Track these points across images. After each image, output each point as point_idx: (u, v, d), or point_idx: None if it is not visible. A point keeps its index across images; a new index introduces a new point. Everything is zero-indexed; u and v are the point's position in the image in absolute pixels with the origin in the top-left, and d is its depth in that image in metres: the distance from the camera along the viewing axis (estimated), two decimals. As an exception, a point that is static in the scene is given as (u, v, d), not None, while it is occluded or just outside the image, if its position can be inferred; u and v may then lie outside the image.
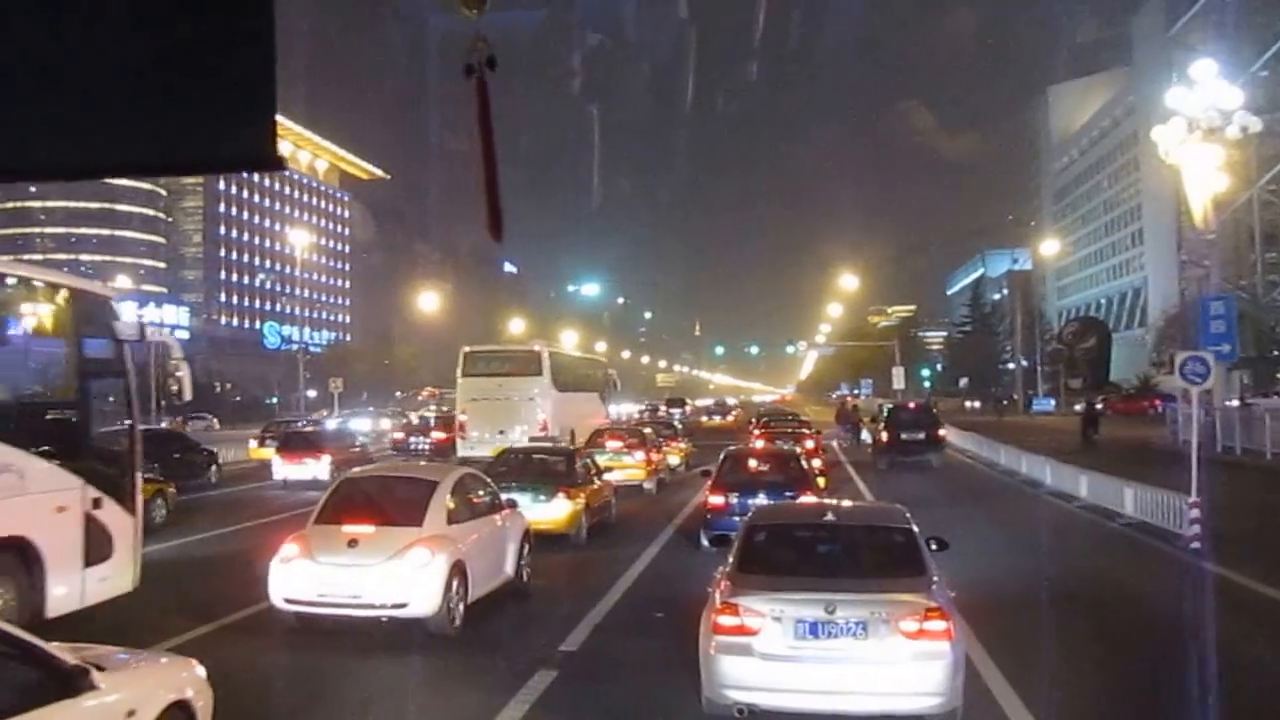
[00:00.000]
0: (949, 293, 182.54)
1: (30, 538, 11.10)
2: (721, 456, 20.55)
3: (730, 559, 9.64)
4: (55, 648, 6.36)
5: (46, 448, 11.73)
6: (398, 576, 11.78)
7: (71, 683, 6.07)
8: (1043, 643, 11.34)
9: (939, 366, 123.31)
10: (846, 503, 13.67)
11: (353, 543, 12.12)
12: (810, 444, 31.70)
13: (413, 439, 45.30)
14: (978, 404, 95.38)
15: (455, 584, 12.29)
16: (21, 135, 1.82)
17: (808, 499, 17.00)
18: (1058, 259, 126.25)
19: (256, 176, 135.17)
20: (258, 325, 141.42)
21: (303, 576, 12.00)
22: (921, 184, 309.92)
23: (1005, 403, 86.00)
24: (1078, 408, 49.72)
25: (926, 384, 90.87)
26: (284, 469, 31.36)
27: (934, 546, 10.01)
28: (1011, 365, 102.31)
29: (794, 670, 8.42)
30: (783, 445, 25.24)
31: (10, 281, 12.39)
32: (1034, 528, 21.07)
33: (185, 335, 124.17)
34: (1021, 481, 30.77)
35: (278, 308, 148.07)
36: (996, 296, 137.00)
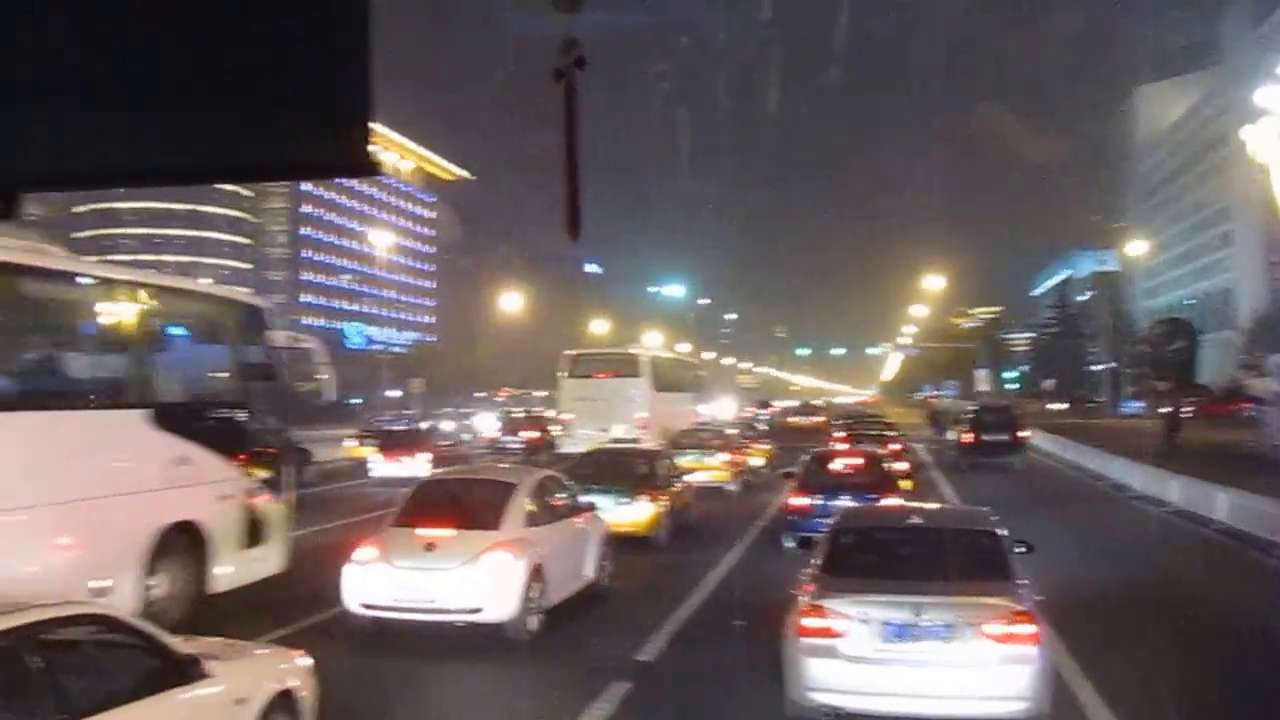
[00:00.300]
0: (1034, 294, 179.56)
1: (200, 522, 12.68)
2: (805, 458, 20.57)
3: (816, 561, 9.68)
4: (172, 638, 6.84)
5: (213, 442, 13.20)
6: (474, 581, 11.67)
7: (186, 671, 6.57)
8: (1131, 650, 11.18)
9: (1023, 368, 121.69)
10: (932, 505, 14.37)
11: (429, 546, 12.05)
12: (896, 447, 31.43)
13: (505, 437, 46.04)
14: (1063, 406, 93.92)
15: (533, 589, 12.09)
16: (122, 141, 1.85)
17: (892, 501, 16.92)
18: (1145, 260, 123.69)
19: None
20: (341, 326, 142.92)
21: (378, 581, 11.95)
22: (1006, 186, 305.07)
23: (1090, 404, 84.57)
24: (1163, 410, 48.77)
25: (1011, 386, 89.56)
26: (383, 467, 32.08)
27: (1020, 550, 9.93)
28: (1097, 367, 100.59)
29: (880, 673, 8.41)
30: (867, 448, 24.70)
31: (183, 293, 14.73)
32: (1121, 532, 20.69)
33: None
34: (1109, 485, 30.22)
35: (361, 308, 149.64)
36: (1082, 298, 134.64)
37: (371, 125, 1.83)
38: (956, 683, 8.36)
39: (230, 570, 13.22)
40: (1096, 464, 34.18)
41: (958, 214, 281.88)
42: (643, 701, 9.92)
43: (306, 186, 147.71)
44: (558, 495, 14.49)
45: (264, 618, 12.55)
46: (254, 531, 13.79)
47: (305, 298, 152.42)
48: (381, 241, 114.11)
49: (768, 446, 37.89)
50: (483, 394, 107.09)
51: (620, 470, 20.53)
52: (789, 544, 17.57)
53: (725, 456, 29.54)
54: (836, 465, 20.38)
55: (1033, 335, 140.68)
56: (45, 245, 12.03)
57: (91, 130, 1.84)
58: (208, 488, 12.96)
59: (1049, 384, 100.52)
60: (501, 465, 19.07)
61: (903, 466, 25.39)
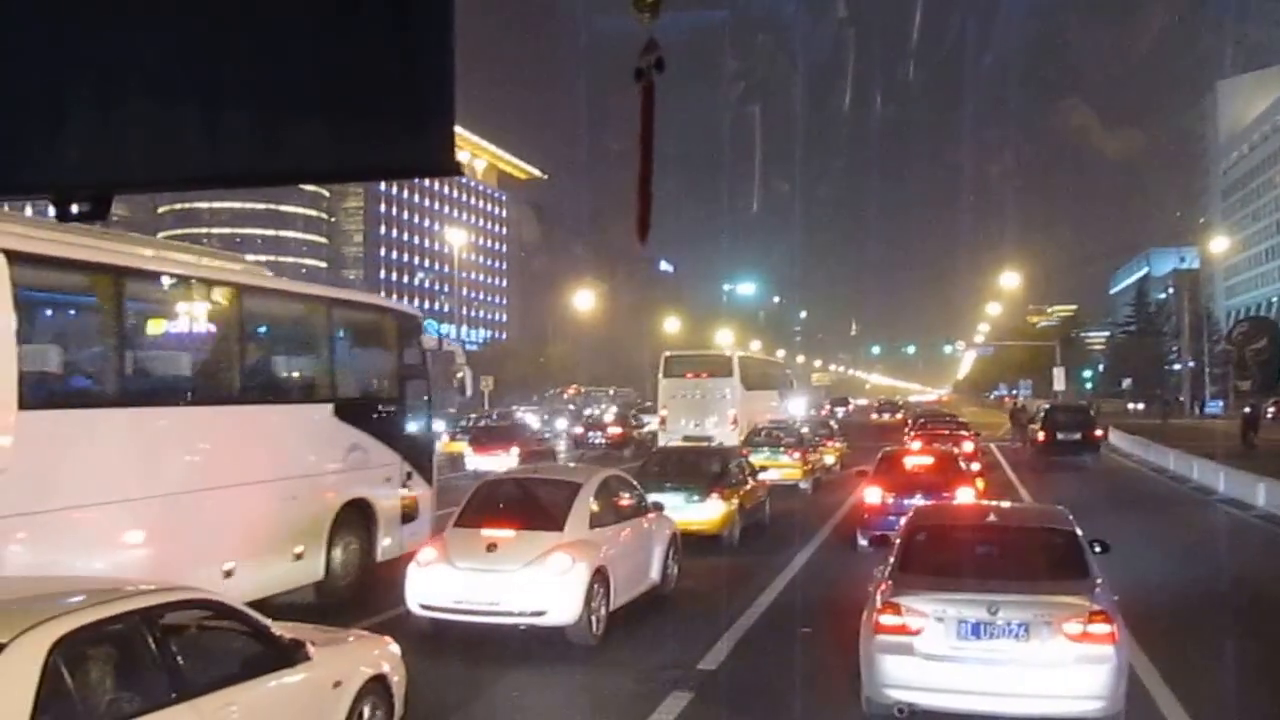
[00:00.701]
0: (1111, 292, 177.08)
1: (370, 500, 14.81)
2: (879, 456, 20.40)
3: (891, 559, 9.66)
4: (276, 625, 7.13)
5: (379, 433, 15.20)
6: (537, 583, 11.46)
7: (291, 655, 6.97)
8: (1213, 657, 11.05)
9: (1100, 367, 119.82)
10: (1007, 504, 14.27)
11: (491, 547, 11.90)
12: (969, 446, 31.10)
13: (591, 434, 47.33)
14: (1141, 406, 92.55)
15: (597, 591, 11.88)
16: (209, 144, 1.88)
17: (965, 499, 17.13)
18: (1226, 257, 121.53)
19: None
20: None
21: (440, 582, 11.83)
22: (1084, 183, 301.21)
23: (1169, 405, 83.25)
24: (1245, 410, 48.25)
25: (1088, 385, 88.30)
26: (476, 460, 33.02)
27: (1097, 549, 9.95)
28: (1178, 367, 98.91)
29: (955, 670, 8.47)
30: (940, 447, 24.68)
31: (357, 305, 17.75)
32: (1205, 536, 20.37)
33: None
34: (1191, 488, 29.80)
35: (436, 306, 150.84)
36: (1162, 296, 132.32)
37: (453, 125, 1.87)
38: (1032, 681, 8.37)
39: (390, 543, 15.15)
40: (1177, 465, 33.70)
41: (1034, 212, 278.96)
42: (701, 716, 9.74)
43: (382, 186, 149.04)
44: (623, 495, 14.26)
45: (331, 616, 12.15)
46: (408, 510, 15.75)
47: (381, 296, 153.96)
48: (456, 240, 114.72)
49: (840, 445, 37.95)
50: (550, 392, 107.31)
51: (692, 468, 20.44)
52: (863, 542, 17.74)
53: (798, 455, 29.59)
54: (910, 463, 20.23)
55: (1109, 334, 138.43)
56: (257, 266, 15.49)
57: (179, 133, 1.89)
58: (375, 471, 15.11)
59: (1127, 384, 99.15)
60: (567, 465, 18.29)
61: (976, 467, 25.10)
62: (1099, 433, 39.26)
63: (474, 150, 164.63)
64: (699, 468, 20.45)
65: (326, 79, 1.85)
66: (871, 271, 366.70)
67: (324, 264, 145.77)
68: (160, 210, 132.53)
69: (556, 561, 11.57)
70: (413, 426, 16.54)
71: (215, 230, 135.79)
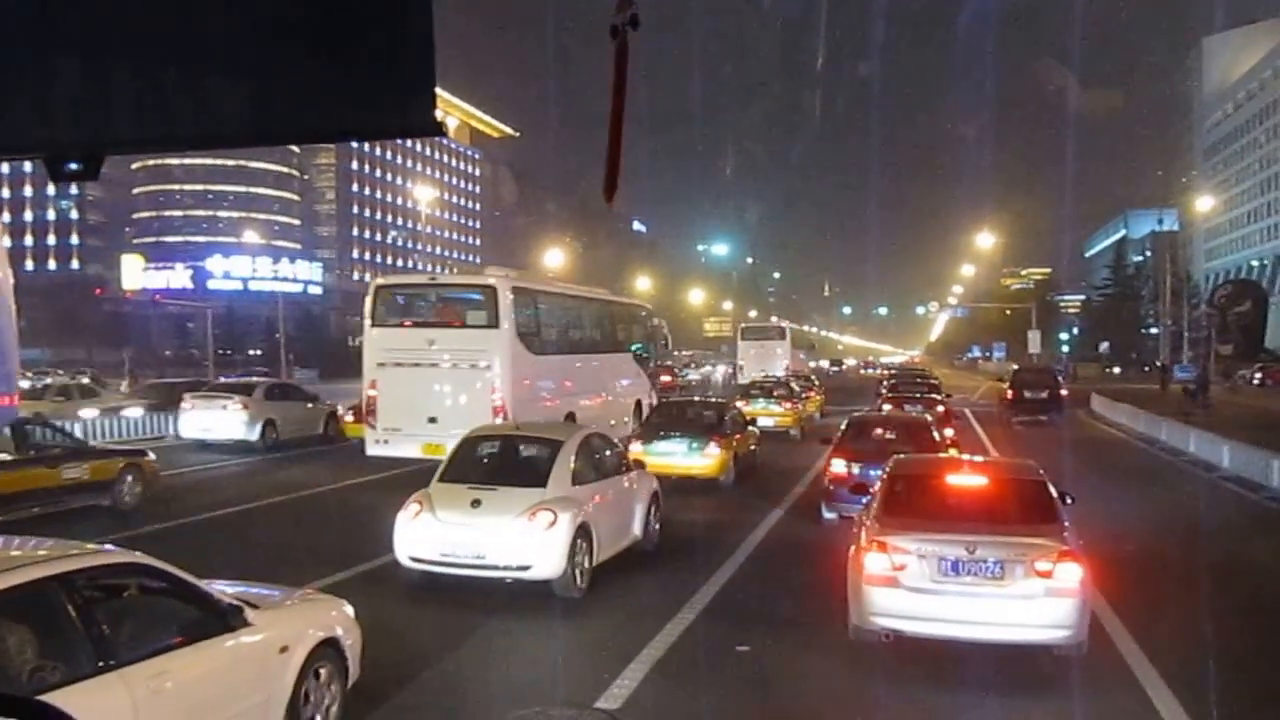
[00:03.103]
0: (1087, 255, 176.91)
1: (643, 399, 29.68)
2: (845, 423, 19.53)
3: (875, 504, 10.62)
4: (213, 587, 6.90)
5: (642, 365, 30.98)
6: (521, 538, 11.77)
7: (228, 619, 6.70)
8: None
9: (1075, 330, 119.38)
10: (979, 457, 15.22)
11: (476, 503, 12.15)
12: (940, 409, 30.04)
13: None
14: (1118, 369, 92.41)
15: (580, 546, 12.18)
16: (194, 103, 1.90)
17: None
18: (1207, 219, 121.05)
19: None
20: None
21: (426, 536, 12.11)
22: (1060, 144, 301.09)
23: (1149, 369, 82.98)
24: (1247, 375, 48.46)
25: (1064, 349, 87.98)
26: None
27: (1068, 501, 10.90)
28: (1155, 330, 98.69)
29: (937, 602, 9.30)
30: (912, 412, 25.59)
31: (630, 304, 35.35)
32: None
33: (319, 291, 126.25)
34: (1164, 450, 29.08)
35: (409, 264, 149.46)
36: (1139, 259, 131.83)
37: (434, 85, 1.87)
38: (1005, 612, 9.20)
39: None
40: (1145, 427, 34.25)
41: (1012, 174, 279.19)
42: (676, 667, 9.78)
43: (354, 143, 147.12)
44: (605, 453, 14.47)
45: (329, 560, 13.35)
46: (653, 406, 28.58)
47: (355, 253, 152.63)
48: (427, 198, 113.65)
49: (819, 397, 43.85)
50: None
51: (692, 419, 22.64)
52: (829, 515, 16.92)
53: (789, 405, 34.09)
54: (879, 432, 19.26)
55: (1085, 297, 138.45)
56: (603, 290, 33.19)
57: (167, 94, 1.89)
58: (642, 383, 30.68)
59: (1104, 347, 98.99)
60: (550, 423, 19.11)
61: (950, 433, 23.95)
62: (1064, 393, 42.45)
63: (446, 107, 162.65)
64: (699, 419, 22.65)
65: (309, 40, 1.86)
66: (847, 233, 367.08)
67: (296, 221, 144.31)
68: (134, 167, 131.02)
69: (540, 517, 11.84)
70: (645, 370, 31.43)
71: (188, 186, 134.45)
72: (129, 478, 18.37)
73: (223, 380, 33.26)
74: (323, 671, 7.54)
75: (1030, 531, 9.62)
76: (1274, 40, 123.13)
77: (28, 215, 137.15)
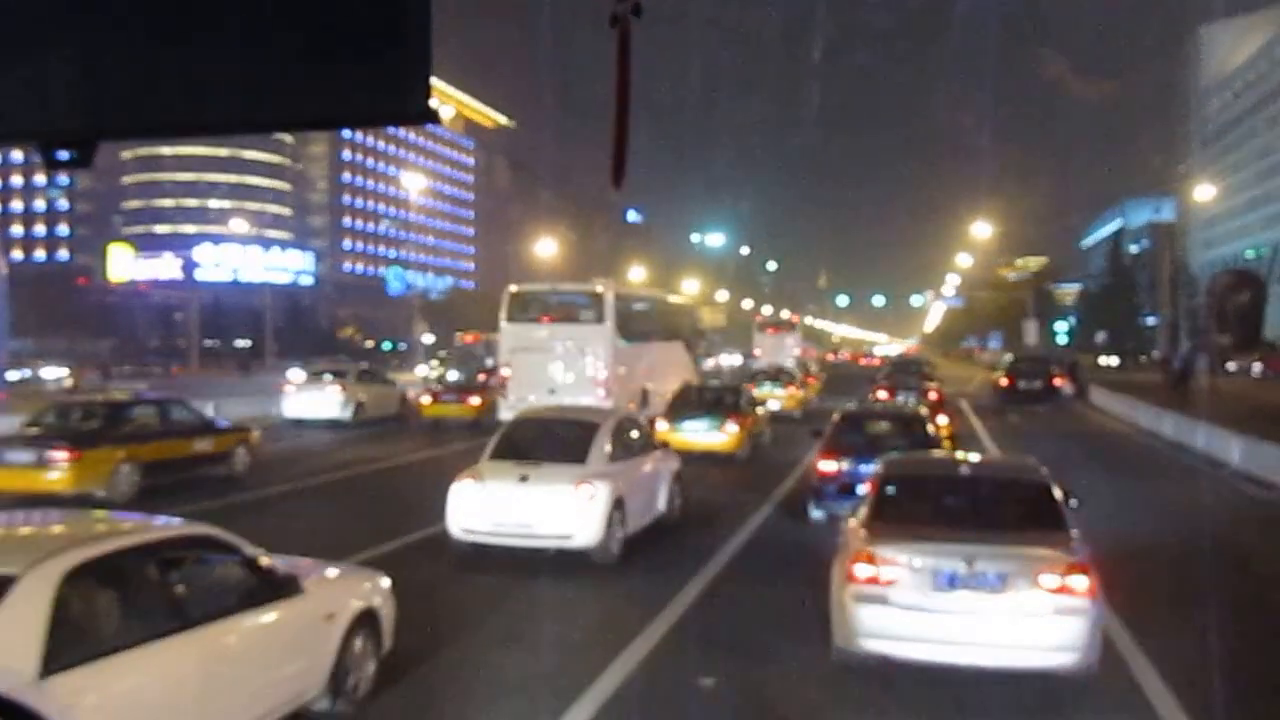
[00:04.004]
0: (1083, 244, 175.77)
1: (689, 378, 32.64)
2: (835, 416, 18.63)
3: (863, 509, 9.68)
4: (271, 558, 7.53)
5: (691, 352, 39.24)
6: (565, 510, 13.00)
7: (284, 588, 7.35)
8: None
9: (1071, 320, 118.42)
10: (978, 456, 14.14)
11: (523, 478, 13.33)
12: (933, 396, 32.16)
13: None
14: (1115, 361, 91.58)
15: (615, 517, 13.33)
16: (190, 91, 1.90)
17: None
18: (1204, 210, 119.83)
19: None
20: (382, 271, 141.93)
21: (477, 509, 13.28)
22: (1057, 134, 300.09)
23: (1144, 358, 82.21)
24: (1246, 365, 48.86)
25: (1063, 338, 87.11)
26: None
27: (1073, 504, 9.95)
28: (1151, 321, 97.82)
29: (930, 621, 8.41)
30: (904, 403, 26.83)
31: (683, 304, 45.36)
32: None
33: (310, 281, 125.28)
34: (1166, 444, 28.12)
35: (402, 254, 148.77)
36: (1135, 249, 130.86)
37: (430, 73, 1.87)
38: (1008, 633, 8.33)
39: None
40: (1149, 421, 33.26)
41: (1008, 163, 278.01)
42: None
43: (347, 132, 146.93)
44: (634, 434, 15.62)
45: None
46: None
47: (346, 243, 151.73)
48: (421, 187, 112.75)
49: (817, 383, 48.97)
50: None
51: (712, 401, 25.71)
52: (817, 514, 16.09)
53: (792, 389, 37.77)
54: (870, 425, 18.23)
55: (1082, 287, 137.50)
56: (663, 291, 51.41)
57: (161, 81, 1.89)
58: (690, 369, 36.41)
59: (1101, 337, 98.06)
60: (587, 406, 22.71)
61: (943, 420, 24.41)
62: (1057, 381, 45.86)
63: (441, 96, 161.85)
64: (718, 401, 25.70)
65: (305, 28, 1.87)
66: (843, 222, 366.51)
67: (288, 210, 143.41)
68: (125, 156, 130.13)
69: (582, 491, 13.04)
70: (691, 356, 38.43)
71: (179, 176, 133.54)
72: (240, 450, 21.07)
73: (319, 367, 37.41)
74: (361, 639, 8.16)
75: (1034, 540, 8.84)
76: (1272, 29, 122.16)
77: (16, 205, 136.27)
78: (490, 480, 13.41)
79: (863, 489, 11.51)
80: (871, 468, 13.53)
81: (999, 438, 29.65)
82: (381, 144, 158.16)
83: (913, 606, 8.43)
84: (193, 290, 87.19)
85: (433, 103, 1.88)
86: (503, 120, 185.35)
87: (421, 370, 62.92)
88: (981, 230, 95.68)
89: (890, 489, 9.99)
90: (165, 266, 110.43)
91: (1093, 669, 8.43)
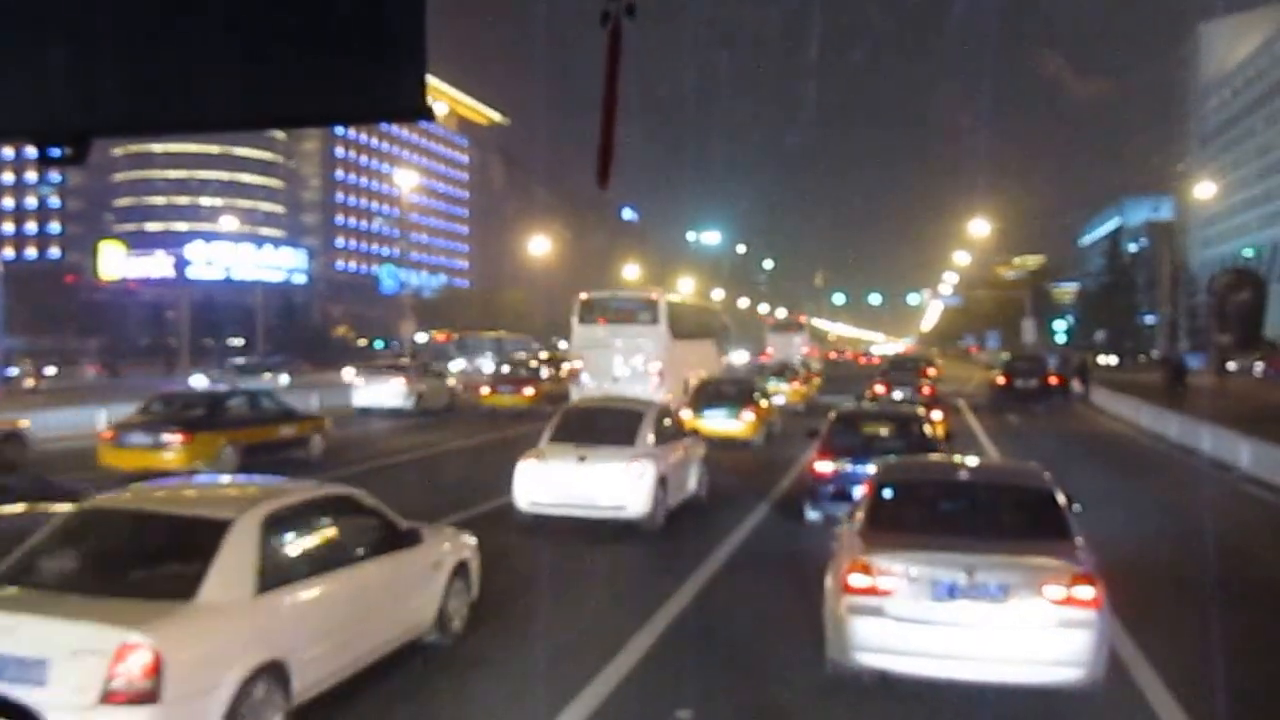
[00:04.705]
0: (1082, 243, 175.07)
1: (714, 372, 37.45)
2: (831, 416, 18.49)
3: (859, 515, 9.37)
4: (395, 516, 9.37)
5: (719, 347, 43.23)
6: (619, 486, 15.21)
7: (409, 539, 9.32)
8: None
9: (1069, 319, 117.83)
10: (977, 460, 13.67)
11: (582, 458, 15.50)
12: (928, 389, 37.64)
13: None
14: (1114, 360, 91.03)
15: (660, 492, 15.49)
16: (185, 88, 1.90)
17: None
18: (1203, 207, 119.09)
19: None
20: (375, 269, 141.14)
21: (541, 485, 15.47)
22: (1055, 132, 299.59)
23: (1142, 357, 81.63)
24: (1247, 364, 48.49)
25: (1062, 337, 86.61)
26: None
27: (1076, 508, 9.57)
28: (1150, 320, 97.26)
29: (928, 634, 8.09)
30: (901, 398, 30.95)
31: (713, 307, 54.23)
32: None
33: (304, 279, 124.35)
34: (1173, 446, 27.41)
35: (395, 252, 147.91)
36: (1133, 247, 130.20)
37: (425, 69, 1.88)
38: (1010, 646, 7.99)
39: None
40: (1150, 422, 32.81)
41: (1005, 162, 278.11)
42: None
43: (339, 130, 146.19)
44: (669, 422, 17.65)
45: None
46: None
47: (339, 241, 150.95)
48: (415, 185, 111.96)
49: (817, 380, 51.25)
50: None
51: (729, 394, 28.63)
52: (813, 515, 16.10)
53: (797, 384, 41.55)
54: (867, 426, 18.16)
55: (1080, 285, 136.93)
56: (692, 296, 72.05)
57: (155, 78, 1.87)
58: (719, 364, 40.88)
59: (1100, 336, 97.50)
60: (628, 397, 23.38)
61: (937, 415, 24.74)
62: (1053, 380, 46.65)
63: (435, 94, 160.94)
64: (736, 393, 28.65)
65: (300, 24, 1.87)
66: (840, 220, 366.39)
67: (281, 208, 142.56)
68: (116, 153, 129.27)
69: (634, 468, 15.27)
70: (722, 352, 42.96)
71: (171, 173, 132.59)
72: (316, 436, 23.64)
73: (381, 361, 45.87)
74: (459, 585, 10.12)
75: (1038, 549, 8.42)
76: (1271, 27, 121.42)
77: (8, 202, 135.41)
78: (552, 460, 15.60)
79: (859, 490, 11.34)
80: (868, 468, 13.78)
81: (999, 440, 29.26)
82: (375, 141, 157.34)
83: (910, 619, 8.12)
84: (183, 288, 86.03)
85: (428, 100, 1.86)
86: (497, 118, 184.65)
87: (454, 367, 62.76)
88: (979, 228, 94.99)
89: (887, 495, 9.66)
90: (157, 264, 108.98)
91: (1099, 684, 8.04)
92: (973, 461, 12.11)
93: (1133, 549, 13.49)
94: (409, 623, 9.21)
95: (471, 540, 10.59)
